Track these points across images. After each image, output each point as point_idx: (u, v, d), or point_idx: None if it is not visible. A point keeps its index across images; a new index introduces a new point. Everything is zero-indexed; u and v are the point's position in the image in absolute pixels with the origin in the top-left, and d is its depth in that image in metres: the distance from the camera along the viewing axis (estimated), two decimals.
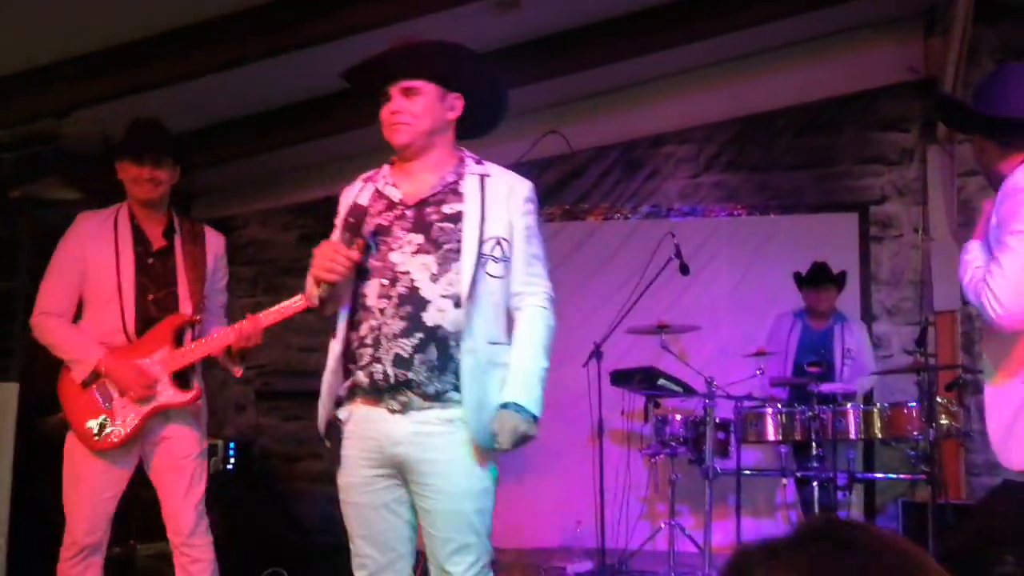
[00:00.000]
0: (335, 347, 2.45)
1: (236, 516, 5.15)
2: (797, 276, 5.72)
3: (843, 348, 5.34)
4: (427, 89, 2.46)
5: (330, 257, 2.35)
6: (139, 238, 3.39)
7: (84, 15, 4.35)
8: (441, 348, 2.36)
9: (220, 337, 3.30)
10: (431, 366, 2.35)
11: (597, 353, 5.33)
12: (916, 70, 6.35)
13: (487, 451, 2.38)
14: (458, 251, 2.40)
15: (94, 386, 3.26)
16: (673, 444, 5.21)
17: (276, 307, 3.22)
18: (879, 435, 5.03)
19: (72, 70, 4.83)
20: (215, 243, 3.58)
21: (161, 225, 3.44)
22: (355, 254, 2.38)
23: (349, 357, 2.44)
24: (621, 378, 5.34)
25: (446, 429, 2.36)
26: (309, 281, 2.45)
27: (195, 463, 3.41)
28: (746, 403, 5.08)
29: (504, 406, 2.38)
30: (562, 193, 7.03)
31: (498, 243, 2.43)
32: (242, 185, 7.10)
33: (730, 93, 6.43)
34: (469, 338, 2.35)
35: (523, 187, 2.56)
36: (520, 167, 6.98)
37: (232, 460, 6.18)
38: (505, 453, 2.38)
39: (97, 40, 4.66)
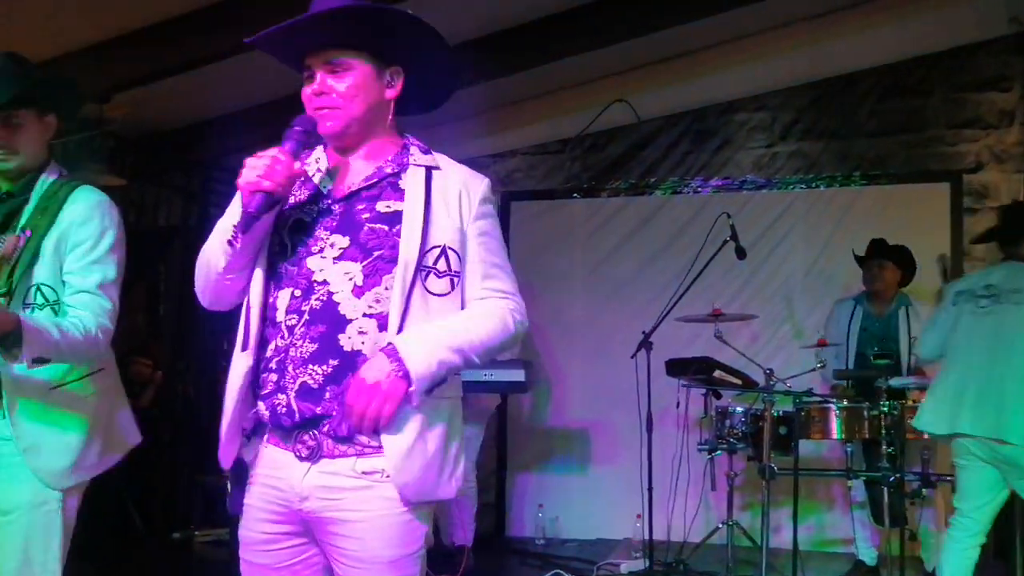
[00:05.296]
0: (241, 363, 1.96)
1: None
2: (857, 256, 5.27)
3: (909, 335, 4.85)
4: (358, 65, 1.99)
5: (266, 163, 1.88)
6: None
7: None
8: None
9: None
10: (344, 401, 1.87)
11: (647, 343, 5.00)
12: (1020, 21, 5.77)
13: (416, 508, 1.93)
14: (392, 260, 1.93)
15: None
16: (731, 439, 4.87)
17: None
18: None
19: (114, 50, 4.74)
20: (76, 209, 2.50)
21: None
22: (299, 167, 1.93)
23: (255, 380, 1.98)
24: (676, 368, 5.01)
25: (361, 483, 1.89)
26: (229, 213, 1.98)
27: (25, 521, 2.42)
28: (807, 398, 4.67)
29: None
30: (627, 166, 6.74)
31: (443, 253, 1.98)
32: None
33: (807, 54, 6.00)
34: None
35: (479, 184, 2.08)
36: (583, 139, 6.79)
37: None
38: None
39: (138, 18, 4.54)
